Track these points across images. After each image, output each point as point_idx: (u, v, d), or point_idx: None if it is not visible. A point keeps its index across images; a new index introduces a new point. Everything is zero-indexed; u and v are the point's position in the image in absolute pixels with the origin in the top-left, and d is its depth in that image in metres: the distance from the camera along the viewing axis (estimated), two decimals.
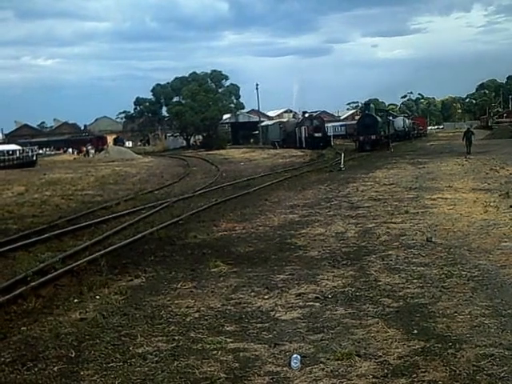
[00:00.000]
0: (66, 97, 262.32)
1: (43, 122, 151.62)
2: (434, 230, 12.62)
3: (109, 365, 6.24)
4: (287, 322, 7.33)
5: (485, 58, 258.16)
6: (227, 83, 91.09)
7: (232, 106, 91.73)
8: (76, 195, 25.43)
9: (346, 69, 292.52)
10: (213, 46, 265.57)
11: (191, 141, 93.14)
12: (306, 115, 70.53)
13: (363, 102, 65.67)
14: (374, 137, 56.22)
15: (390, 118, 72.28)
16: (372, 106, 64.61)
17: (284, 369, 5.92)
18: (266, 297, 8.50)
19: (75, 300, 8.85)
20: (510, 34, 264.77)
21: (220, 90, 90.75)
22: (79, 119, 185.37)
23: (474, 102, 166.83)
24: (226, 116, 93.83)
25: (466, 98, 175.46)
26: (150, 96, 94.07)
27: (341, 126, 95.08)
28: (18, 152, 60.68)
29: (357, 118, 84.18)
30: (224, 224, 15.29)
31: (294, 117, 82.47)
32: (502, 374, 5.52)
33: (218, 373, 5.89)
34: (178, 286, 9.36)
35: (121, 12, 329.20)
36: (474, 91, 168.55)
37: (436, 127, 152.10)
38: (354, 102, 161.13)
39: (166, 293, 9.00)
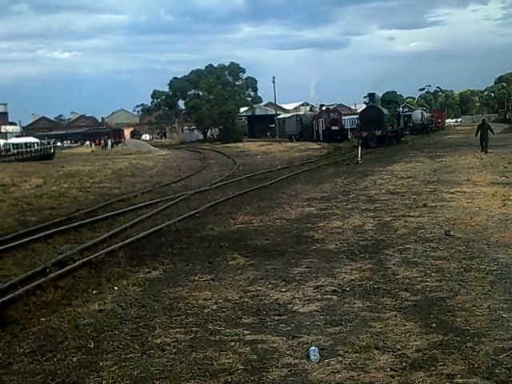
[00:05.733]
0: (83, 90, 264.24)
1: (61, 115, 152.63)
2: (453, 224, 12.54)
3: (127, 356, 6.27)
4: (305, 315, 7.33)
5: (503, 51, 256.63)
6: (244, 76, 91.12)
7: (249, 99, 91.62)
8: (94, 187, 25.56)
9: (363, 61, 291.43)
10: (229, 39, 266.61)
11: (208, 134, 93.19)
12: (323, 108, 70.39)
13: (368, 93, 55.59)
14: (379, 132, 48.89)
15: (401, 110, 66.52)
16: (378, 96, 55.66)
17: (302, 361, 5.92)
18: (283, 289, 8.50)
19: (94, 291, 8.91)
20: None
21: (237, 83, 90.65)
22: (96, 112, 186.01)
23: (493, 95, 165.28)
24: (242, 109, 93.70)
25: (484, 91, 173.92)
26: (166, 89, 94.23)
27: (358, 119, 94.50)
28: (35, 144, 61.14)
29: None
30: (241, 217, 15.29)
31: (310, 110, 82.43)
32: None
33: (236, 364, 5.90)
34: (196, 278, 9.38)
35: (136, 5, 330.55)
36: (492, 84, 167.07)
37: (454, 120, 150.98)
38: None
39: (184, 285, 9.03)
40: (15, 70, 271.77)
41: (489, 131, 34.06)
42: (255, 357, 6.09)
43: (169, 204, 18.48)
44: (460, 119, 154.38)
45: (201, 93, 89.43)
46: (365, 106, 56.58)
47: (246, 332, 6.80)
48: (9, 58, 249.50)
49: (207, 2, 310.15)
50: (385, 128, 50.00)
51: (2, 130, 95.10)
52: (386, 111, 51.94)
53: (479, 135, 34.14)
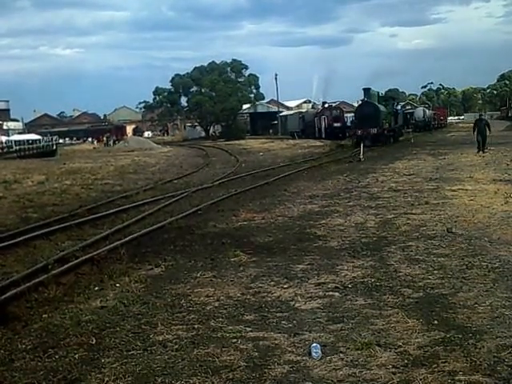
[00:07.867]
0: (85, 86, 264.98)
1: (62, 112, 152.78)
2: (455, 221, 12.53)
3: (129, 352, 6.28)
4: (307, 312, 7.33)
5: (505, 49, 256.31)
6: (247, 73, 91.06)
7: (251, 96, 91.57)
8: (96, 184, 25.54)
9: (365, 58, 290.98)
10: (231, 36, 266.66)
11: (210, 131, 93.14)
12: (326, 105, 70.28)
13: (362, 88, 49.55)
14: (374, 130, 45.64)
15: (400, 107, 64.31)
16: (374, 91, 50.55)
17: (304, 358, 5.92)
18: (285, 286, 8.50)
19: (96, 288, 8.91)
20: None
21: (240, 80, 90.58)
22: (98, 109, 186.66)
23: (495, 92, 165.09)
24: (244, 106, 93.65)
25: (486, 88, 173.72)
26: (168, 86, 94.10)
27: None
28: (38, 141, 61.19)
29: None
30: (243, 214, 15.28)
31: (313, 107, 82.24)
32: None
33: (238, 361, 5.91)
34: (198, 275, 9.38)
35: (137, 1, 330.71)
36: (494, 82, 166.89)
37: (457, 118, 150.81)
38: None
39: (186, 282, 9.03)
40: (17, 67, 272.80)
41: (487, 128, 32.62)
42: (257, 354, 6.09)
43: (171, 201, 18.48)
44: (462, 117, 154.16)
45: (203, 89, 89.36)
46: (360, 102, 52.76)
47: (247, 329, 6.80)
48: (11, 55, 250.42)
49: None
50: (381, 126, 47.03)
51: (4, 127, 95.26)
52: (382, 108, 49.16)
53: (476, 132, 32.59)
